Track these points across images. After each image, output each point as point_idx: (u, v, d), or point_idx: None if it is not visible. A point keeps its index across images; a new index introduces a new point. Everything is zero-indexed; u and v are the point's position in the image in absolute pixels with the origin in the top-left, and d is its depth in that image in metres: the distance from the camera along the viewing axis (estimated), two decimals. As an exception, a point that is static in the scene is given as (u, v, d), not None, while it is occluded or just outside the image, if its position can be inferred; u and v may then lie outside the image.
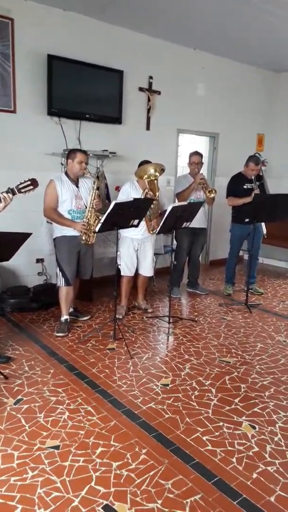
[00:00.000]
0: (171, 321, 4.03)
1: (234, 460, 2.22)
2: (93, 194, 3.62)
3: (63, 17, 4.38)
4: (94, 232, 3.58)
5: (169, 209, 3.62)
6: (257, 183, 4.65)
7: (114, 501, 1.91)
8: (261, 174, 5.09)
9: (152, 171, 3.95)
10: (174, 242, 4.84)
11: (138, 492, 1.97)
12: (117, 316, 3.77)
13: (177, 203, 3.96)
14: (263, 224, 5.07)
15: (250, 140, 6.71)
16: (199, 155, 4.72)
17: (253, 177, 4.63)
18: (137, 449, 2.26)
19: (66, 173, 3.69)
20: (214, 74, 5.91)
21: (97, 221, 3.56)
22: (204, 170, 5.89)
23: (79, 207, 3.65)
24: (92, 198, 3.61)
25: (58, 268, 3.72)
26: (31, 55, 4.21)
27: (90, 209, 3.61)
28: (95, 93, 4.66)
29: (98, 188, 3.71)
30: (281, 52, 5.66)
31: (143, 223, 3.92)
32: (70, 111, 4.50)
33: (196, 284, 5.13)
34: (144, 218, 3.89)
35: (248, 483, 2.06)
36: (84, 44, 4.58)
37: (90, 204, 3.61)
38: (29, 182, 2.94)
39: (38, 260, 4.59)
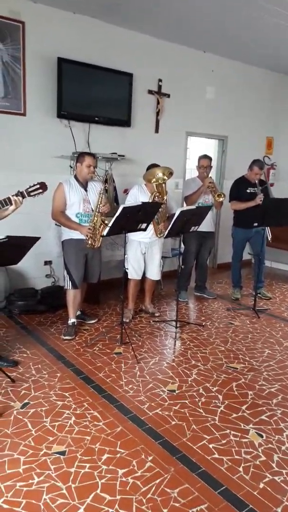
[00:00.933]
0: (178, 325, 4.02)
1: (240, 469, 2.20)
2: (100, 198, 3.62)
3: (73, 20, 4.39)
4: (102, 236, 3.57)
5: (177, 213, 3.61)
6: (260, 187, 4.62)
7: (120, 509, 1.90)
8: (263, 178, 5.06)
9: (160, 174, 3.94)
10: (182, 245, 4.82)
11: (144, 500, 1.96)
12: (124, 320, 3.76)
13: (185, 207, 3.94)
14: (267, 228, 5.03)
15: (259, 143, 6.67)
16: (208, 158, 4.70)
17: (256, 181, 4.60)
18: (143, 456, 2.25)
19: (75, 177, 3.70)
20: (224, 76, 5.89)
21: (102, 225, 3.56)
22: (212, 174, 5.87)
23: (87, 210, 3.65)
24: (99, 202, 3.61)
25: (65, 271, 3.72)
26: (41, 58, 4.23)
27: (97, 213, 3.61)
28: (105, 96, 4.67)
29: (107, 191, 3.71)
30: (290, 54, 5.63)
31: (150, 226, 3.91)
32: (80, 114, 4.50)
33: (203, 288, 5.11)
34: (152, 222, 3.88)
35: (255, 493, 2.04)
36: (94, 46, 4.58)
37: (97, 208, 3.61)
38: (38, 186, 2.95)
39: (46, 262, 4.60)
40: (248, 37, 5.01)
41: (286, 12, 4.17)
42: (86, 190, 3.68)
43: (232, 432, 2.50)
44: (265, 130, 6.70)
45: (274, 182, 6.66)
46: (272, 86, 6.60)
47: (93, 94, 4.57)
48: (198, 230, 4.09)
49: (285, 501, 2.00)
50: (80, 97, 4.48)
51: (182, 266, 4.74)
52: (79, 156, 3.68)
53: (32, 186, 2.97)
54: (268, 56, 5.77)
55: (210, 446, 2.37)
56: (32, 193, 2.97)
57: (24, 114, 4.23)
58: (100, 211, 3.62)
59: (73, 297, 3.75)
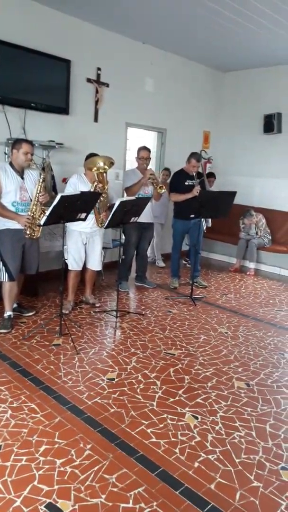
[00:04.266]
0: (118, 315, 4.05)
1: (177, 450, 2.28)
2: (39, 187, 3.51)
3: (8, 0, 4.18)
4: (39, 226, 3.48)
5: (117, 203, 3.61)
6: (198, 179, 4.77)
7: (58, 498, 1.90)
8: (200, 171, 5.24)
9: (101, 163, 3.91)
10: (123, 236, 4.84)
11: (82, 488, 1.97)
12: (63, 311, 3.72)
13: (125, 198, 3.96)
14: (203, 220, 5.22)
15: (196, 137, 6.85)
16: (148, 150, 4.75)
17: (194, 174, 4.74)
18: (81, 445, 2.25)
19: (10, 164, 3.56)
20: (163, 69, 5.95)
21: (42, 215, 3.47)
22: (152, 166, 5.94)
23: (24, 199, 3.54)
24: (38, 191, 3.51)
25: (1, 263, 3.58)
26: (-28, 37, 3.99)
27: (36, 202, 3.51)
28: (41, 82, 4.52)
29: (44, 181, 3.60)
30: (227, 52, 5.81)
31: (91, 216, 3.89)
32: (15, 98, 4.32)
33: (143, 278, 5.18)
34: (93, 211, 3.86)
35: (190, 472, 2.13)
36: (30, 30, 4.40)
37: (36, 197, 3.51)
38: None
39: (-21, 254, 4.38)
40: (187, 33, 5.10)
41: (225, 11, 4.30)
42: (22, 178, 3.56)
43: (169, 416, 2.58)
44: (202, 124, 6.89)
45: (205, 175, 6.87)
46: (209, 82, 6.79)
47: (29, 79, 4.41)
48: (138, 221, 4.13)
49: (217, 478, 2.11)
50: (15, 82, 4.29)
51: (123, 257, 4.77)
52: (16, 143, 3.54)
53: None
54: (206, 53, 5.91)
55: (148, 430, 2.43)
56: None
57: None
58: (40, 200, 3.52)
59: (9, 289, 3.63)
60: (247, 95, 6.74)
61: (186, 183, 4.78)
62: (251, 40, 5.18)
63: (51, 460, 2.13)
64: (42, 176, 3.54)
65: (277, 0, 3.96)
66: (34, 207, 3.51)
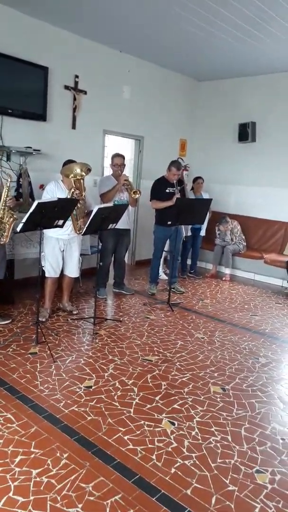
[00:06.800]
0: (96, 322, 4.04)
1: (153, 457, 2.29)
2: (6, 191, 3.49)
3: (-17, 5, 4.16)
4: (15, 232, 3.45)
5: (94, 210, 3.62)
6: (179, 187, 4.84)
7: (34, 509, 1.88)
8: (181, 178, 5.32)
9: (78, 170, 3.92)
10: (100, 243, 4.84)
11: (59, 498, 1.96)
12: (40, 319, 3.68)
13: (103, 205, 3.97)
14: (183, 227, 5.29)
15: (173, 145, 6.93)
16: (121, 156, 4.78)
17: (175, 182, 4.81)
18: (58, 454, 2.24)
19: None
20: (140, 77, 6.02)
21: (12, 219, 3.44)
22: (130, 173, 5.98)
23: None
24: (5, 195, 3.48)
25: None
26: None
27: (3, 207, 3.48)
28: (19, 88, 4.51)
29: (8, 186, 3.55)
30: (201, 62, 5.93)
31: (69, 223, 3.88)
32: (-9, 104, 4.30)
33: (121, 284, 5.19)
34: (71, 218, 3.85)
35: (167, 478, 2.14)
36: (8, 36, 4.39)
37: (2, 202, 3.48)
38: None
39: None
40: (164, 42, 5.18)
41: (200, 22, 4.40)
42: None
43: (146, 422, 2.60)
44: (179, 132, 6.99)
45: (187, 183, 6.96)
46: (186, 91, 6.90)
47: (6, 86, 4.39)
48: (115, 227, 4.14)
49: (194, 483, 2.13)
50: (-8, 87, 4.27)
51: (100, 263, 4.77)
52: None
53: None
54: (181, 62, 6.02)
55: (125, 437, 2.43)
56: None
57: None
58: (7, 204, 3.49)
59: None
60: (222, 104, 6.88)
61: (167, 191, 4.83)
62: (225, 50, 5.30)
63: (27, 471, 2.11)
64: (9, 180, 3.52)
65: (249, 12, 4.09)
66: (2, 212, 3.48)
